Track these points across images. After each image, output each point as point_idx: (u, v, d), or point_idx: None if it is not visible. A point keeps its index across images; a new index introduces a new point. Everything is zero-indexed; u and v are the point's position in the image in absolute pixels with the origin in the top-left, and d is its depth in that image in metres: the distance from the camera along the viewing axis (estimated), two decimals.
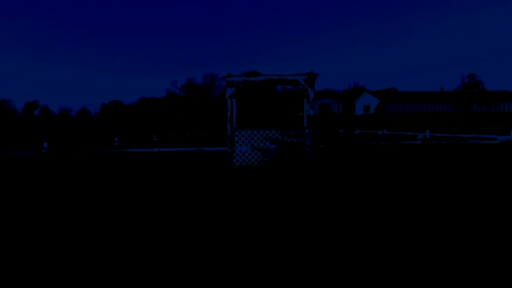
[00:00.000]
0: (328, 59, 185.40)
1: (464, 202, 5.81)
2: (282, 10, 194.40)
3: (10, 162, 13.68)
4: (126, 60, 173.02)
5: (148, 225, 4.79)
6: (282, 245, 3.96)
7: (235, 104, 11.80)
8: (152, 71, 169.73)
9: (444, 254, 3.63)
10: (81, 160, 13.69)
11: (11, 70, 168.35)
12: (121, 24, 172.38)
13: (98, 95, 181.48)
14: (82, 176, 9.42)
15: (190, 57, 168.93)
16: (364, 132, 37.49)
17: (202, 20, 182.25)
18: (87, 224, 4.87)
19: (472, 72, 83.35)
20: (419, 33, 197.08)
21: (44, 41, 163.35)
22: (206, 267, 3.38)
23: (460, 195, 6.35)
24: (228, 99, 11.13)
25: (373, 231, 4.37)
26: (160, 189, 7.35)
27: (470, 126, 39.04)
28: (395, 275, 3.15)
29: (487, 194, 6.44)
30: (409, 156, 13.30)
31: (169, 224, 4.83)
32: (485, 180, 7.80)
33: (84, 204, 6.13)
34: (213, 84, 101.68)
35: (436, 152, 14.96)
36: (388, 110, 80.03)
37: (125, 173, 9.91)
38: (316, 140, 24.03)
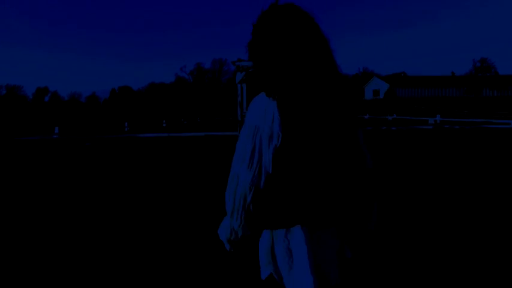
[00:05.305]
0: (337, 43, 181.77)
1: (474, 189, 5.76)
2: None
3: (22, 147, 13.88)
4: (135, 45, 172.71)
5: (153, 213, 4.84)
6: None
7: (245, 89, 11.73)
8: (161, 56, 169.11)
9: (446, 244, 3.62)
10: (91, 145, 13.82)
11: (22, 57, 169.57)
12: (130, 10, 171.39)
13: (107, 80, 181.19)
14: (91, 162, 9.53)
15: (199, 43, 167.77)
16: (374, 117, 37.13)
17: (211, 5, 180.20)
18: (92, 211, 4.94)
19: (484, 56, 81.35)
20: (430, 16, 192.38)
21: (54, 27, 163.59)
22: (204, 264, 3.41)
23: (472, 181, 6.29)
24: (238, 84, 11.08)
25: (380, 217, 4.37)
26: (168, 175, 7.41)
27: (482, 110, 38.39)
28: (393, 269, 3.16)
29: (499, 180, 6.37)
30: (420, 142, 13.16)
31: (175, 211, 4.87)
32: (499, 167, 7.70)
33: (91, 190, 6.21)
34: (221, 69, 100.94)
35: (448, 137, 14.77)
36: (398, 94, 78.86)
37: (134, 159, 9.99)
38: None
